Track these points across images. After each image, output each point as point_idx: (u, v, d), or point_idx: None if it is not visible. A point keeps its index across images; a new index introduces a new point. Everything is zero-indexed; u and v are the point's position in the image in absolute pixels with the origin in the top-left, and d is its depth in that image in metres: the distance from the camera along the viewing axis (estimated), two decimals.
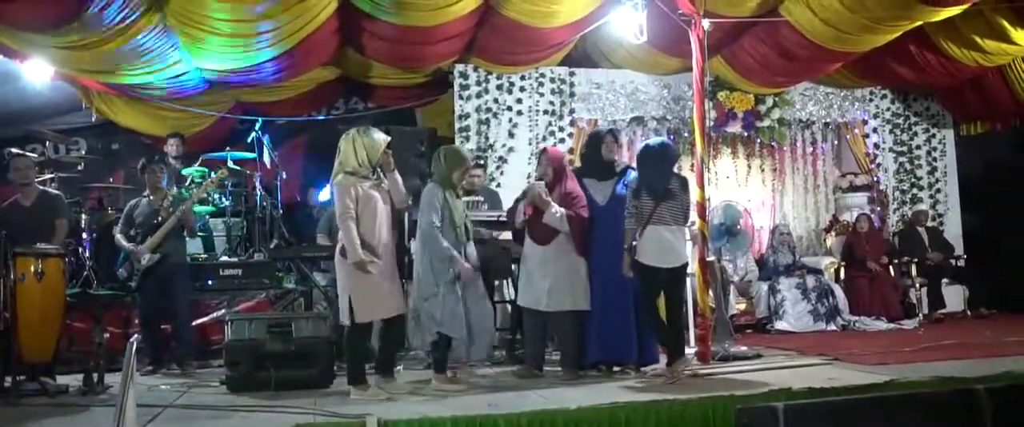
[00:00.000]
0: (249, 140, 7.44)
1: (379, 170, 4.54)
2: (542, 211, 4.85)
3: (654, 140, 5.65)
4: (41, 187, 5.80)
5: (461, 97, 8.07)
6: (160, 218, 5.67)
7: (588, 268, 4.96)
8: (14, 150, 5.85)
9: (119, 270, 5.73)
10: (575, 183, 5.05)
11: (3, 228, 4.84)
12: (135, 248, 5.63)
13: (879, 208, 8.84)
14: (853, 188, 8.86)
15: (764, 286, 7.75)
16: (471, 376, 4.92)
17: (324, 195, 8.42)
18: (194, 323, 6.13)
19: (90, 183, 7.42)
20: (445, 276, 4.60)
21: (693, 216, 5.53)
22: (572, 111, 8.31)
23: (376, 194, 4.46)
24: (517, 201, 5.21)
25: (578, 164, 6.02)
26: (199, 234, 6.58)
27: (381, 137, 4.51)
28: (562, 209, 4.86)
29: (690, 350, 5.40)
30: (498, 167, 8.03)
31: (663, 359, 4.95)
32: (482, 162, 7.51)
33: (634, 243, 4.74)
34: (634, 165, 5.39)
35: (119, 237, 5.80)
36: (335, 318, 5.26)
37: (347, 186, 4.38)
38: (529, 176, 7.54)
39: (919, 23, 7.07)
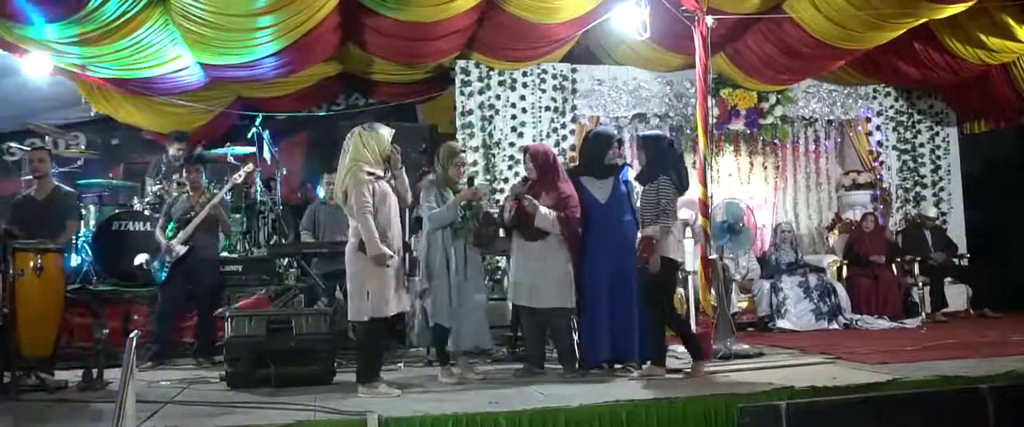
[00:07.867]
0: (249, 136, 7.42)
1: (387, 166, 4.52)
2: (531, 213, 4.83)
3: (658, 132, 5.60)
4: (55, 182, 5.81)
5: (462, 93, 8.05)
6: (193, 213, 5.86)
7: (589, 266, 4.93)
8: (37, 142, 5.86)
9: (153, 263, 5.88)
10: (569, 184, 5.00)
11: (13, 221, 4.83)
12: (169, 242, 5.77)
13: (882, 206, 8.81)
14: (856, 186, 8.83)
15: (766, 284, 7.72)
16: (469, 370, 4.89)
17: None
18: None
19: (90, 178, 7.40)
20: (438, 269, 4.75)
21: (696, 214, 5.51)
22: (574, 108, 8.29)
23: (389, 190, 4.44)
24: (507, 199, 5.19)
25: (576, 161, 5.97)
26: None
27: (387, 131, 4.49)
28: (553, 212, 4.83)
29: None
30: (510, 166, 8.01)
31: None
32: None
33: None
34: (631, 163, 5.35)
35: (157, 233, 5.96)
36: (338, 314, 5.24)
37: (366, 181, 4.32)
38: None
39: (924, 20, 7.04)
